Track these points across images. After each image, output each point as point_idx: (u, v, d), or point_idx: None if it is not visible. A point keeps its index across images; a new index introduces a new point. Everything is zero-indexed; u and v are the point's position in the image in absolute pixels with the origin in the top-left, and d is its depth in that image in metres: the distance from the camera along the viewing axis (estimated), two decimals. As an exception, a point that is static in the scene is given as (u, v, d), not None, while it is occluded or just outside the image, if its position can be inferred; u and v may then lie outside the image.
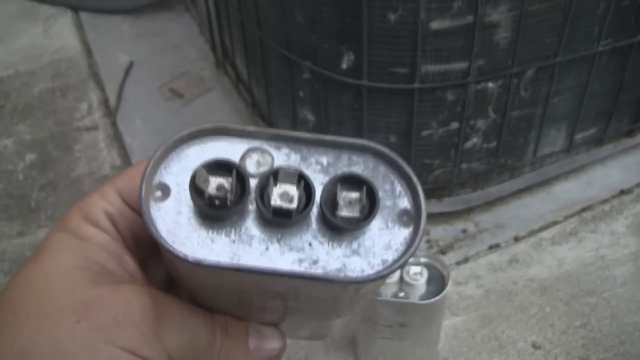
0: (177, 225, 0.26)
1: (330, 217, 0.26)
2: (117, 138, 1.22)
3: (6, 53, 1.46)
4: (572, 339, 0.85)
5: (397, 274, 0.68)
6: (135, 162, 1.09)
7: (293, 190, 0.26)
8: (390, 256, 0.26)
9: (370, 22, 0.78)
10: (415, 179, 0.27)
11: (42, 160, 1.20)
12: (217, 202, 0.26)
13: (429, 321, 0.73)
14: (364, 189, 0.26)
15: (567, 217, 1.00)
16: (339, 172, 0.27)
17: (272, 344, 0.32)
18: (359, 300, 0.31)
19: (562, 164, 1.03)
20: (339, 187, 0.26)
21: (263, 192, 0.26)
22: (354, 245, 0.26)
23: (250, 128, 0.27)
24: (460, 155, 0.92)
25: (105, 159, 1.19)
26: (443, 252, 0.96)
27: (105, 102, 1.31)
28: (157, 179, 0.27)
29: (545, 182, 1.04)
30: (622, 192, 1.03)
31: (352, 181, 0.26)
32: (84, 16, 1.54)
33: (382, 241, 0.27)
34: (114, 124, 1.25)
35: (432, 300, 0.68)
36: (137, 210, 0.31)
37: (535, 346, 0.84)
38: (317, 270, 0.26)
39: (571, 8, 0.81)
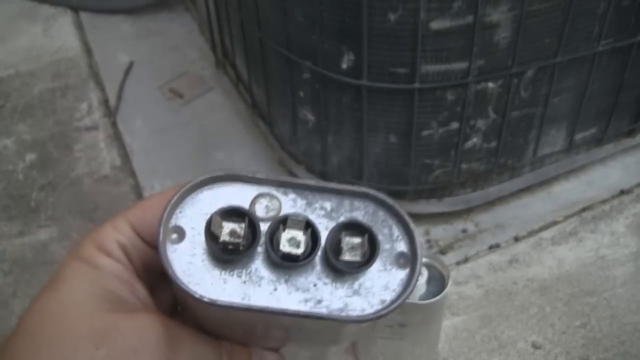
0: (191, 266, 0.28)
1: (334, 261, 0.28)
2: (117, 138, 1.22)
3: (6, 53, 1.46)
4: (572, 339, 0.85)
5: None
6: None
7: (300, 236, 0.28)
8: (388, 296, 0.28)
9: (370, 22, 0.78)
10: (411, 225, 0.29)
11: (42, 160, 1.20)
12: (230, 247, 0.27)
13: (429, 321, 0.73)
14: (366, 235, 0.28)
15: (567, 217, 1.00)
16: (343, 218, 0.29)
17: None
18: (358, 333, 0.33)
19: (562, 164, 1.03)
20: (342, 233, 0.28)
21: (272, 237, 0.28)
22: (355, 286, 0.28)
23: (260, 175, 0.29)
24: (460, 155, 0.92)
25: (105, 159, 1.19)
26: (443, 252, 0.96)
27: (105, 102, 1.31)
28: (173, 222, 0.28)
29: (545, 182, 1.04)
30: (622, 192, 1.03)
31: (355, 227, 0.28)
32: (84, 16, 1.54)
33: (381, 282, 0.29)
34: (114, 124, 1.25)
35: (432, 300, 0.68)
36: (147, 241, 0.33)
37: (535, 346, 0.84)
38: (322, 310, 0.28)
39: (571, 8, 0.81)
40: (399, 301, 0.28)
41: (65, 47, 1.46)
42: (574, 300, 0.89)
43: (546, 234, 0.97)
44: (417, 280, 0.28)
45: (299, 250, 0.27)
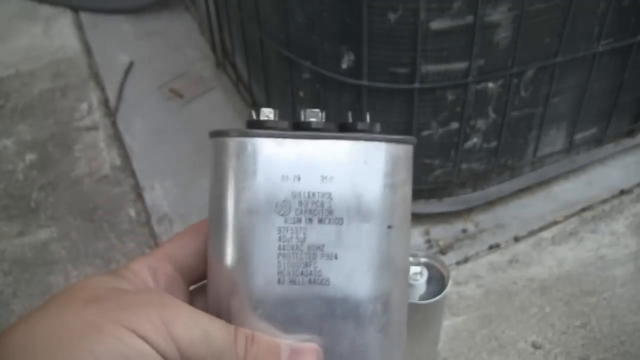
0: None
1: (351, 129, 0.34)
2: (117, 138, 1.22)
3: (6, 53, 1.46)
4: (572, 339, 0.85)
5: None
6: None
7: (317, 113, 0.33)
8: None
9: (370, 22, 0.78)
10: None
11: (42, 160, 1.20)
12: (266, 119, 0.32)
13: (429, 321, 0.73)
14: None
15: (567, 217, 1.00)
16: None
17: (307, 356, 0.31)
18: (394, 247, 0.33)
19: (562, 164, 1.03)
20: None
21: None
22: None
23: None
24: (460, 155, 0.92)
25: (105, 159, 1.19)
26: (443, 252, 0.96)
27: (105, 102, 1.31)
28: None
29: (545, 182, 1.04)
30: (622, 192, 1.03)
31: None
32: (84, 16, 1.54)
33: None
34: (114, 124, 1.25)
35: (432, 300, 0.67)
36: (181, 267, 0.34)
37: (535, 346, 0.84)
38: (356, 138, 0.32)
39: (571, 8, 0.81)
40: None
41: (65, 47, 1.46)
42: (574, 300, 0.89)
43: (546, 234, 0.97)
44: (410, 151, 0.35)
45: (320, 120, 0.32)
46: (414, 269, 0.69)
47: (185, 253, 0.34)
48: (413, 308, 0.69)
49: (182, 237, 0.34)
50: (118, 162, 1.18)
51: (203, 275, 0.34)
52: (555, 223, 0.99)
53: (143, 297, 0.29)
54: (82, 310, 0.28)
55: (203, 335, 0.29)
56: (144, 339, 0.27)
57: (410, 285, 0.68)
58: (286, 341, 0.31)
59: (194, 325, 0.29)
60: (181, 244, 0.34)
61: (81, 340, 0.27)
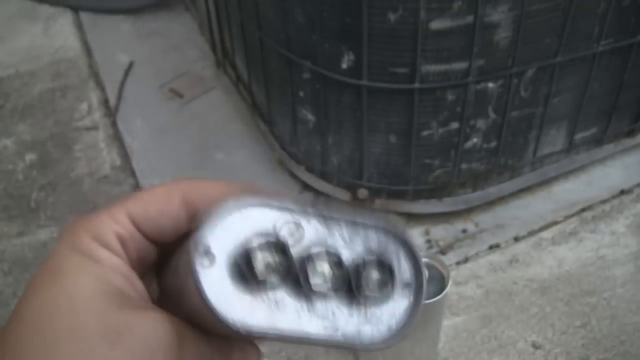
0: (221, 292, 0.29)
1: (357, 295, 0.31)
2: (117, 138, 1.22)
3: (6, 53, 1.46)
4: (572, 339, 0.85)
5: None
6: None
7: (328, 270, 0.30)
8: (394, 323, 0.31)
9: (370, 22, 0.78)
10: (419, 256, 0.31)
11: (42, 160, 1.20)
12: (266, 280, 0.29)
13: (428, 321, 0.73)
14: (388, 272, 0.31)
15: (567, 217, 1.00)
16: (360, 249, 0.31)
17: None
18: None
19: (562, 164, 1.03)
20: (365, 268, 0.31)
21: (301, 267, 0.30)
22: (367, 314, 0.31)
23: (290, 205, 0.31)
24: (460, 155, 0.92)
25: (105, 159, 1.19)
26: (443, 252, 0.96)
27: (105, 102, 1.31)
28: (202, 246, 0.29)
29: (545, 182, 1.04)
30: (622, 192, 1.03)
31: (378, 264, 0.31)
32: (84, 16, 1.54)
33: (388, 310, 0.31)
34: (114, 124, 1.25)
35: (432, 300, 0.68)
36: (147, 235, 0.32)
37: (535, 346, 0.84)
38: (338, 336, 0.30)
39: (571, 8, 0.81)
40: (405, 328, 0.31)
41: (65, 47, 1.46)
42: (574, 300, 0.89)
43: (546, 234, 0.97)
44: (421, 309, 0.31)
45: (327, 284, 0.30)
46: (414, 269, 0.69)
47: (152, 217, 0.32)
48: (413, 308, 0.69)
49: (145, 198, 0.33)
50: (118, 162, 1.18)
51: (172, 235, 0.33)
52: (555, 223, 0.99)
53: (160, 334, 0.29)
54: (109, 355, 0.28)
55: None
56: None
57: (410, 285, 0.68)
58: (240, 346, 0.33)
59: (198, 358, 0.31)
60: (148, 209, 0.32)
61: None
